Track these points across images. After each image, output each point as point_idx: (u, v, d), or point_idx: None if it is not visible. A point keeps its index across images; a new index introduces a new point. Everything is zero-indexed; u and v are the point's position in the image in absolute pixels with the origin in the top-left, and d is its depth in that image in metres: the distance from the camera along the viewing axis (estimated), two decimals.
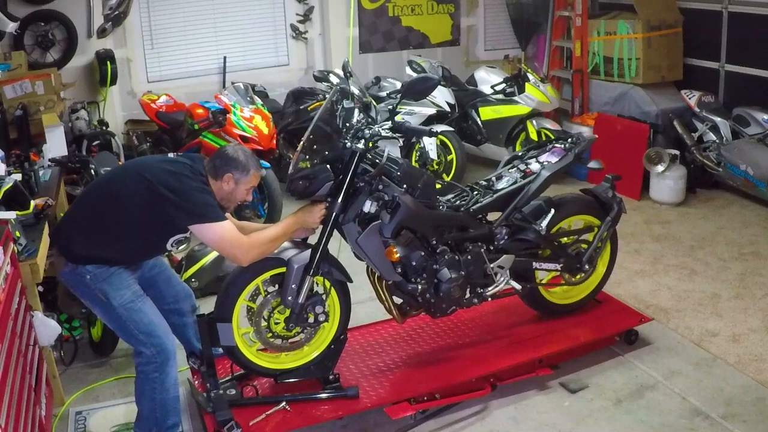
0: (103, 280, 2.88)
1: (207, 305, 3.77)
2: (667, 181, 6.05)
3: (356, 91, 5.98)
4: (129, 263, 3.01)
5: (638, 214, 5.88)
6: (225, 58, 7.18)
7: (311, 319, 3.18)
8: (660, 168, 6.01)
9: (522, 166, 3.67)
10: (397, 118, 5.90)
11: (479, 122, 6.63)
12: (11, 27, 5.65)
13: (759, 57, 6.21)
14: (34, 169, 4.22)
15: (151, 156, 3.14)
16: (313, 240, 3.16)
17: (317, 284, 3.20)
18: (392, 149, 3.70)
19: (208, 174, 2.94)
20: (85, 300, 2.99)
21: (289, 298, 3.08)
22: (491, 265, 3.46)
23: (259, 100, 5.89)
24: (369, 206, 3.12)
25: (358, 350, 3.64)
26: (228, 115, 5.47)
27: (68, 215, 3.07)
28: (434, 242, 3.34)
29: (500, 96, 6.60)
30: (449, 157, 6.26)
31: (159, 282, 3.19)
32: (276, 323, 3.17)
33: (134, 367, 3.05)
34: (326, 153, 3.07)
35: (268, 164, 5.44)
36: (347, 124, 3.20)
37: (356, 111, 3.28)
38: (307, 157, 3.06)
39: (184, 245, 3.22)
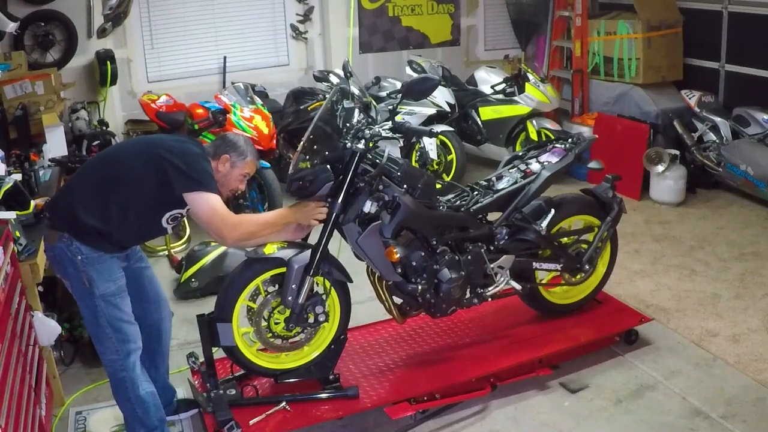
0: (93, 266, 2.82)
1: (207, 305, 3.77)
2: (667, 181, 6.05)
3: (356, 91, 5.98)
4: (124, 244, 2.94)
5: (638, 214, 5.88)
6: (225, 58, 7.18)
7: (311, 319, 3.18)
8: (660, 168, 6.01)
9: (522, 166, 3.67)
10: (397, 118, 5.90)
11: (479, 122, 6.64)
12: (11, 27, 5.65)
13: (759, 57, 6.21)
14: (34, 169, 4.22)
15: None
16: (313, 240, 3.16)
17: (317, 284, 3.20)
18: (392, 149, 3.69)
19: (207, 153, 2.96)
20: (66, 279, 2.90)
21: (289, 298, 3.08)
22: (491, 265, 3.46)
23: (259, 100, 5.89)
24: (369, 206, 3.12)
25: (358, 350, 3.64)
26: (228, 115, 5.47)
27: (69, 188, 2.96)
28: (434, 242, 3.34)
29: (500, 96, 6.60)
30: (449, 157, 6.26)
31: (144, 278, 3.12)
32: (276, 323, 3.17)
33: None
34: (326, 153, 3.07)
35: (268, 164, 5.45)
36: (347, 124, 3.20)
37: (356, 111, 3.28)
38: (307, 157, 3.06)
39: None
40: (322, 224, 3.11)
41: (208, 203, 2.80)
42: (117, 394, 3.01)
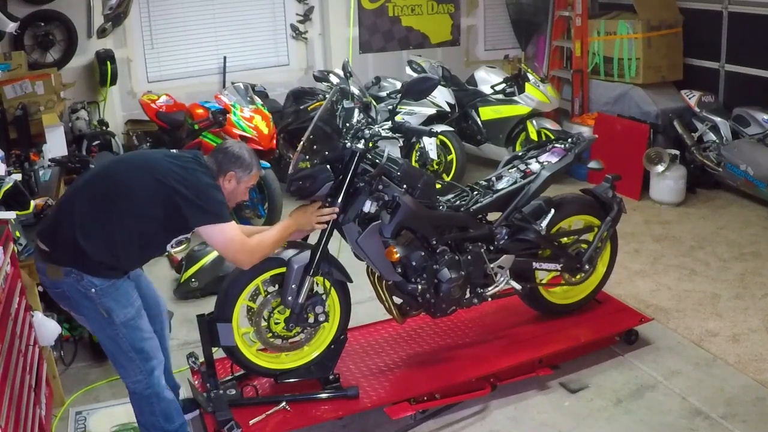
0: (109, 296, 2.71)
1: (207, 305, 3.77)
2: (667, 181, 6.05)
3: (356, 91, 5.98)
4: (133, 267, 2.90)
5: (638, 214, 5.88)
6: (225, 58, 7.18)
7: (311, 319, 3.18)
8: (660, 168, 6.01)
9: (522, 166, 3.67)
10: (397, 118, 5.90)
11: (479, 122, 6.64)
12: (11, 27, 5.65)
13: (759, 57, 6.20)
14: (34, 169, 4.22)
15: (152, 150, 2.99)
16: (313, 240, 3.16)
17: (317, 284, 3.20)
18: (392, 149, 3.70)
19: (212, 171, 2.85)
20: (79, 312, 2.80)
21: (289, 298, 3.08)
22: (491, 265, 3.46)
23: (259, 100, 5.89)
24: (369, 206, 3.12)
25: (358, 350, 3.64)
26: (228, 115, 5.47)
27: (67, 216, 2.72)
28: (434, 242, 3.34)
29: (500, 96, 6.60)
30: (449, 157, 6.25)
31: (141, 287, 3.02)
32: (276, 323, 3.17)
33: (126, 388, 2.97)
34: (326, 153, 3.07)
35: (268, 164, 5.45)
36: (347, 124, 3.20)
37: (356, 111, 3.28)
38: (307, 157, 3.06)
39: (184, 245, 3.18)
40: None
41: (224, 235, 2.76)
42: (140, 409, 2.95)
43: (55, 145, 4.69)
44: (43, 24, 6.31)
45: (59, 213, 2.80)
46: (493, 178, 3.67)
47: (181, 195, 2.68)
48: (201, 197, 2.70)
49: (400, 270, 3.28)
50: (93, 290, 2.69)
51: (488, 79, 6.74)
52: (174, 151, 2.98)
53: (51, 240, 2.73)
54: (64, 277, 2.69)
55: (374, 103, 6.23)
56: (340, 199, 3.07)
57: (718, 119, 6.14)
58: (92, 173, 2.97)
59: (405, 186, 3.19)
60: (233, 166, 2.85)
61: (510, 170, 3.70)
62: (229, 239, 2.77)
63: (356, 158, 3.07)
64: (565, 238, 3.79)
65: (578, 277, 3.79)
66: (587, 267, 3.77)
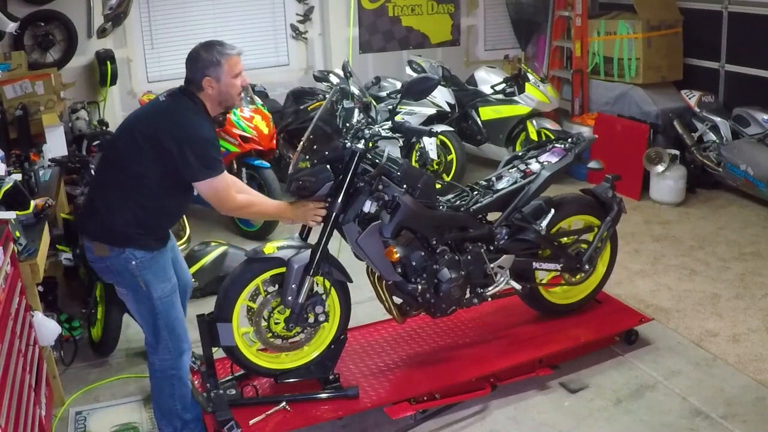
0: (149, 269, 2.82)
1: (207, 305, 3.77)
2: (667, 181, 6.05)
3: (356, 91, 5.97)
4: (163, 230, 2.93)
5: (638, 214, 5.88)
6: None
7: (311, 319, 3.18)
8: (660, 168, 6.01)
9: (522, 166, 3.67)
10: (397, 118, 5.90)
11: (479, 122, 6.64)
12: (11, 27, 5.64)
13: (759, 57, 6.21)
14: (34, 169, 4.22)
15: (143, 107, 3.01)
16: (313, 240, 3.16)
17: (317, 284, 3.20)
18: (392, 149, 3.70)
19: (192, 90, 2.81)
20: (122, 286, 2.90)
21: (289, 298, 3.08)
22: (491, 265, 3.46)
23: (259, 100, 5.89)
24: (369, 206, 3.12)
25: (358, 350, 3.64)
26: (228, 114, 5.47)
27: (91, 200, 2.94)
28: (434, 242, 3.34)
29: (500, 96, 6.60)
30: (449, 157, 6.26)
31: (176, 265, 3.11)
32: (276, 323, 3.17)
33: (148, 366, 3.07)
34: (326, 153, 3.07)
35: (268, 164, 5.44)
36: (347, 124, 3.20)
37: (356, 111, 3.28)
38: (307, 157, 3.06)
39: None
40: (322, 224, 3.11)
41: (211, 187, 2.77)
42: (160, 391, 3.03)
43: (55, 145, 4.69)
44: (43, 24, 6.31)
45: (90, 192, 3.03)
46: (493, 178, 3.67)
47: (170, 151, 2.68)
48: (189, 151, 2.68)
49: (400, 270, 3.28)
50: (134, 262, 2.79)
51: (488, 79, 6.74)
52: (161, 97, 2.91)
53: (89, 220, 2.88)
54: (109, 252, 2.80)
55: (374, 103, 6.23)
56: (340, 199, 3.07)
57: (718, 119, 6.14)
58: (101, 158, 3.14)
59: (405, 186, 3.19)
60: (200, 72, 2.78)
61: (510, 170, 3.70)
62: (214, 190, 2.78)
63: (356, 158, 3.07)
64: (565, 238, 3.79)
65: (578, 277, 3.79)
66: (587, 267, 3.77)
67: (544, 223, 3.58)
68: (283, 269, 3.09)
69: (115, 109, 6.85)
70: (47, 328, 3.25)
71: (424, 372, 3.46)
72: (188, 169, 2.72)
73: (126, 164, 2.78)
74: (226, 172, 2.85)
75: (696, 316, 4.25)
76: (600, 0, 7.69)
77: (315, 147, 3.07)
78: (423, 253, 3.29)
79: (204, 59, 2.78)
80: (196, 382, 3.33)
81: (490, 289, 3.51)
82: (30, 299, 3.25)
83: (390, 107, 6.08)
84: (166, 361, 2.96)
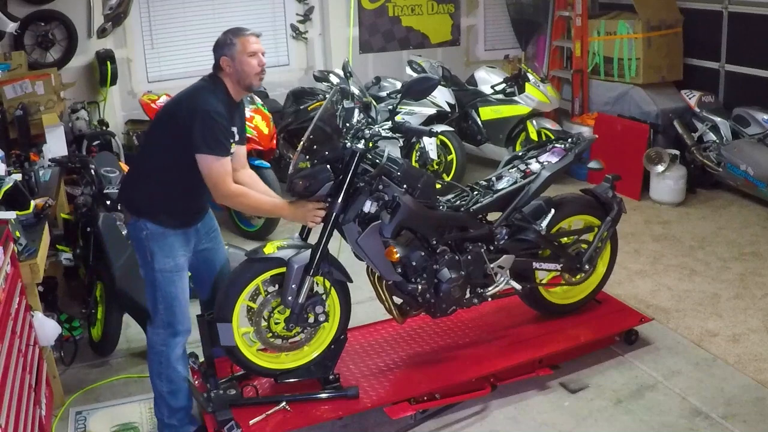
0: (156, 241, 2.97)
1: None
2: (667, 181, 6.05)
3: (356, 91, 5.98)
4: (186, 210, 3.06)
5: (638, 214, 5.88)
6: None
7: (311, 319, 3.18)
8: (660, 168, 6.01)
9: (522, 166, 3.67)
10: (397, 118, 5.90)
11: (479, 122, 6.64)
12: (11, 27, 5.65)
13: (759, 57, 6.21)
14: (34, 169, 4.22)
15: None
16: (313, 240, 3.16)
17: (317, 284, 3.19)
18: (392, 149, 3.70)
19: (215, 72, 3.04)
20: (137, 252, 3.10)
21: (289, 298, 3.08)
22: (491, 265, 3.46)
23: (259, 100, 5.88)
24: (369, 206, 3.12)
25: (358, 350, 3.64)
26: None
27: (128, 171, 3.33)
28: (434, 242, 3.33)
29: (500, 96, 6.60)
30: (449, 157, 6.26)
31: (216, 262, 3.26)
32: (276, 323, 3.16)
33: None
34: (326, 153, 3.07)
35: (268, 164, 5.44)
36: (347, 124, 3.20)
37: (356, 111, 3.28)
38: (307, 157, 3.06)
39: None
40: (322, 224, 3.11)
41: (207, 166, 2.87)
42: (151, 369, 3.14)
43: (55, 145, 4.69)
44: (43, 24, 6.31)
45: (129, 163, 3.48)
46: (493, 178, 3.67)
47: (182, 124, 2.87)
48: (196, 123, 2.84)
49: (400, 270, 3.27)
50: (144, 233, 2.98)
51: (488, 79, 6.74)
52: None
53: (122, 188, 3.22)
54: (130, 219, 3.04)
55: (374, 103, 6.24)
56: (340, 199, 3.07)
57: (718, 119, 6.14)
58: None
59: (405, 186, 3.19)
60: (218, 53, 3.03)
61: (510, 170, 3.69)
62: (209, 169, 2.88)
63: (356, 158, 3.07)
64: (565, 238, 3.79)
65: (578, 277, 3.79)
66: (587, 267, 3.77)
67: (544, 223, 3.57)
68: (283, 269, 3.09)
69: (115, 109, 6.86)
70: (47, 328, 3.26)
71: (424, 372, 3.46)
72: (192, 139, 2.85)
73: (151, 140, 3.10)
74: (228, 160, 2.92)
75: (696, 316, 4.25)
76: (600, 0, 7.69)
77: (315, 147, 3.06)
78: (423, 253, 3.29)
79: (220, 41, 3.04)
80: (196, 383, 3.33)
81: (490, 289, 3.51)
82: (30, 299, 3.25)
83: (390, 107, 6.08)
84: (159, 335, 3.07)
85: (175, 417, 3.16)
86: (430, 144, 6.12)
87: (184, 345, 3.16)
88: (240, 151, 3.19)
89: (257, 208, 3.16)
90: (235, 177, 3.05)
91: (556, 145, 3.78)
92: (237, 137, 3.07)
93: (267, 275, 3.12)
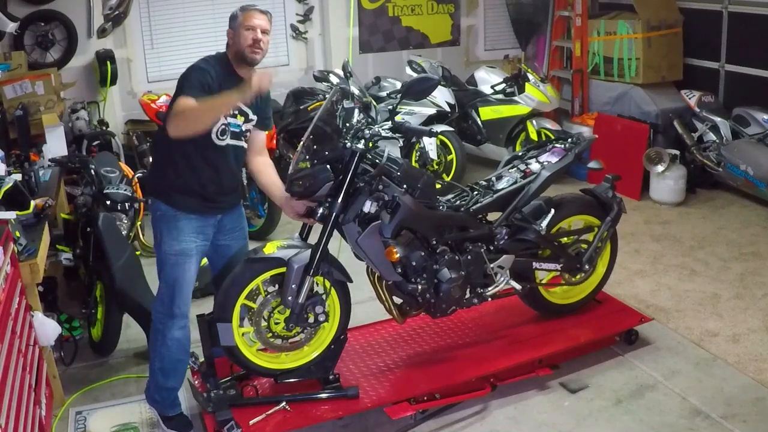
0: (165, 223, 3.07)
1: (207, 305, 3.77)
2: (667, 181, 6.05)
3: (356, 91, 5.98)
4: (191, 186, 3.05)
5: (638, 214, 5.88)
6: None
7: (311, 319, 3.18)
8: (660, 168, 6.01)
9: (522, 166, 3.67)
10: (397, 118, 5.90)
11: (479, 122, 6.64)
12: (11, 27, 5.65)
13: (759, 57, 6.21)
14: (34, 169, 4.21)
15: None
16: (313, 240, 3.16)
17: (317, 284, 3.19)
18: (392, 149, 3.69)
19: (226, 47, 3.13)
20: (153, 229, 3.19)
21: (289, 298, 3.08)
22: (491, 265, 3.46)
23: None
24: (369, 206, 3.12)
25: (358, 350, 3.64)
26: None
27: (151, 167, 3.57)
28: (434, 242, 3.33)
29: (500, 96, 6.60)
30: (449, 157, 6.26)
31: (234, 256, 3.29)
32: (276, 323, 3.16)
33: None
34: (326, 153, 3.07)
35: None
36: (347, 124, 3.20)
37: (356, 111, 3.27)
38: (307, 157, 3.06)
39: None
40: (322, 224, 3.11)
41: (175, 102, 2.94)
42: (150, 344, 3.26)
43: (55, 145, 4.69)
44: (43, 24, 6.31)
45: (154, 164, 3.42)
46: (493, 178, 3.67)
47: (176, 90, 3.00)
48: (179, 81, 2.99)
49: (400, 270, 3.27)
50: (158, 213, 3.11)
51: (488, 79, 6.74)
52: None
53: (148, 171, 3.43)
54: (150, 201, 3.22)
55: (374, 103, 6.23)
56: (340, 199, 3.07)
57: (718, 119, 6.14)
58: None
59: (405, 186, 3.19)
60: (229, 25, 3.12)
61: (510, 170, 3.69)
62: (175, 103, 2.93)
63: (356, 158, 3.07)
64: (565, 238, 3.79)
65: (578, 277, 3.79)
66: (587, 267, 3.77)
67: (544, 223, 3.57)
68: (283, 269, 3.09)
69: (115, 109, 6.86)
70: (47, 328, 3.26)
71: (424, 372, 3.46)
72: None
73: (162, 118, 3.25)
74: (191, 98, 2.83)
75: (696, 316, 4.25)
76: (600, 0, 7.69)
77: (315, 147, 3.06)
78: (423, 253, 3.29)
79: (231, 15, 3.11)
80: (196, 383, 3.33)
81: (490, 289, 3.51)
82: (30, 299, 3.25)
83: (390, 107, 6.08)
84: (158, 313, 3.16)
85: (159, 393, 3.23)
86: (430, 144, 6.12)
87: (185, 329, 3.16)
88: (259, 136, 3.28)
89: (202, 109, 2.84)
90: (250, 161, 3.27)
91: (556, 145, 3.78)
92: (250, 115, 3.15)
93: (267, 275, 3.12)
